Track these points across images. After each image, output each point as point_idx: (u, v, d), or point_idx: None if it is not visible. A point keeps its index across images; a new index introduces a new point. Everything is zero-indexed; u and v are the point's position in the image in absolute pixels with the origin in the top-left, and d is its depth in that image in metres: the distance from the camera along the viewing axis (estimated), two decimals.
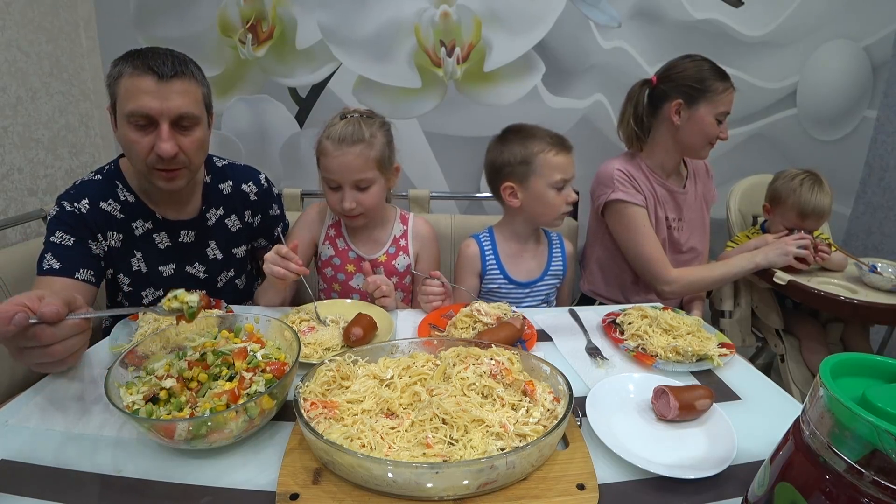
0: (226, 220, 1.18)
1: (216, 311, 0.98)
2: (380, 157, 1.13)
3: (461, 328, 0.97)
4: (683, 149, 1.39)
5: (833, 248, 1.52)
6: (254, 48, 1.80)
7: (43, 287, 0.93)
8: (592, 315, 1.08)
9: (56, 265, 0.97)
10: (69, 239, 1.00)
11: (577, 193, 1.82)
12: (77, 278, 0.98)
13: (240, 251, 1.23)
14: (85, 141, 1.76)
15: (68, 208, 1.01)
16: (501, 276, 1.27)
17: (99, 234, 1.04)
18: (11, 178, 1.50)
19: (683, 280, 1.35)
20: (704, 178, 1.52)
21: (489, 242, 1.30)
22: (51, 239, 1.00)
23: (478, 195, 1.90)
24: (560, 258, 1.33)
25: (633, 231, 1.37)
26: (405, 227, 1.30)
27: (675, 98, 1.34)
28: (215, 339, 0.79)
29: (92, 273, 1.01)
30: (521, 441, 0.60)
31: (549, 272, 1.30)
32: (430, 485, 0.55)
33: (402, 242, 1.28)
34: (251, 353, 0.74)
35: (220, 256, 1.18)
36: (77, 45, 1.72)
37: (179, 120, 0.96)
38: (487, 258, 1.28)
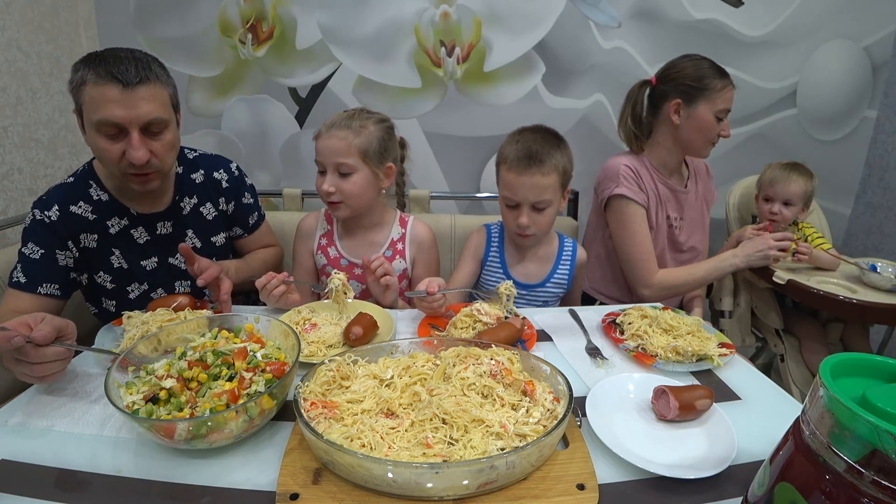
0: (201, 209, 1.19)
1: (205, 312, 0.98)
2: (364, 147, 1.13)
3: (461, 328, 0.97)
4: (685, 148, 1.39)
5: (827, 247, 1.56)
6: (254, 48, 1.80)
7: (11, 300, 0.99)
8: (592, 315, 1.08)
9: (22, 279, 0.99)
10: (37, 251, 1.01)
11: (577, 194, 1.83)
12: (39, 293, 1.00)
13: (219, 239, 1.23)
14: (85, 141, 1.75)
15: (38, 217, 1.02)
16: (501, 270, 1.28)
17: (70, 241, 1.04)
18: (11, 178, 1.50)
19: (661, 284, 1.36)
20: (705, 177, 1.53)
21: (497, 233, 1.32)
22: (22, 250, 1.01)
23: (478, 195, 1.90)
24: (567, 267, 1.29)
25: (627, 229, 1.37)
26: (403, 231, 1.28)
27: (674, 98, 1.34)
28: (215, 339, 0.79)
29: (56, 287, 1.02)
30: (521, 441, 0.61)
31: (552, 280, 1.28)
32: (430, 485, 0.55)
33: (399, 246, 1.27)
34: (251, 353, 0.74)
35: (199, 245, 1.19)
36: (77, 45, 1.72)
37: (148, 126, 0.95)
38: (492, 247, 1.29)
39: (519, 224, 1.17)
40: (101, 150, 0.96)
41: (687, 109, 1.33)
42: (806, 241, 1.63)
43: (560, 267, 1.28)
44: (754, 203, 1.69)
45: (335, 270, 1.07)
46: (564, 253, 1.30)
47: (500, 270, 1.28)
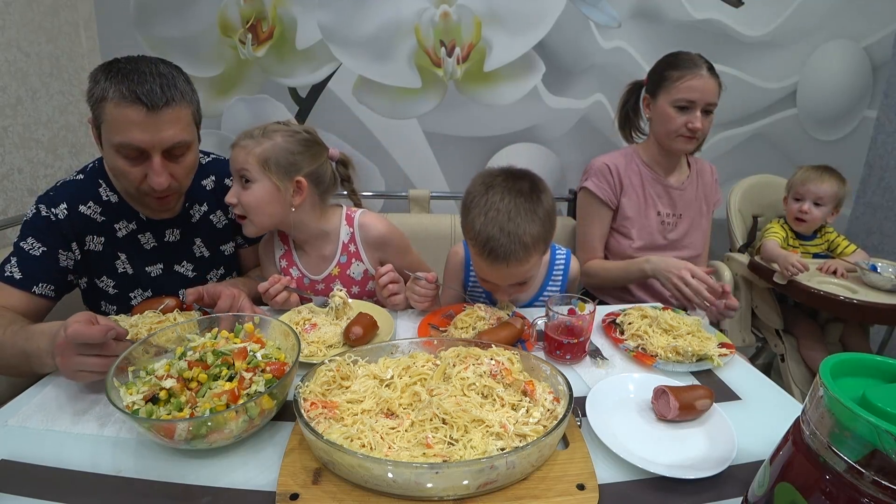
0: (211, 217, 1.16)
1: (193, 313, 0.98)
2: (265, 157, 1.04)
3: (461, 328, 0.97)
4: (658, 141, 1.40)
5: (851, 251, 1.64)
6: (254, 48, 1.80)
7: (0, 295, 0.94)
8: None
9: (17, 275, 0.95)
10: (38, 248, 0.97)
11: (576, 194, 1.83)
12: (34, 292, 0.96)
13: (228, 248, 1.21)
14: (85, 141, 1.76)
15: (44, 213, 0.98)
16: (483, 295, 1.15)
17: (74, 242, 1.01)
18: (11, 178, 1.50)
19: (587, 271, 1.42)
20: (708, 179, 1.52)
21: None
22: (20, 244, 0.97)
23: None
24: (558, 284, 1.16)
25: (582, 219, 1.46)
26: (351, 229, 1.17)
27: (645, 93, 1.40)
28: (215, 339, 0.79)
29: (52, 287, 0.98)
30: (521, 441, 0.60)
31: (539, 300, 1.16)
32: (430, 485, 0.55)
33: (352, 248, 1.17)
34: (251, 353, 0.74)
35: (206, 254, 1.16)
36: (77, 46, 1.72)
37: (171, 149, 0.93)
38: (472, 270, 1.16)
39: (498, 300, 1.05)
40: (120, 170, 0.93)
41: (654, 103, 1.37)
42: (830, 247, 1.67)
43: (550, 285, 1.16)
44: (783, 204, 1.71)
45: (337, 287, 1.05)
46: (556, 269, 1.16)
47: (483, 295, 1.15)
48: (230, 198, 1.06)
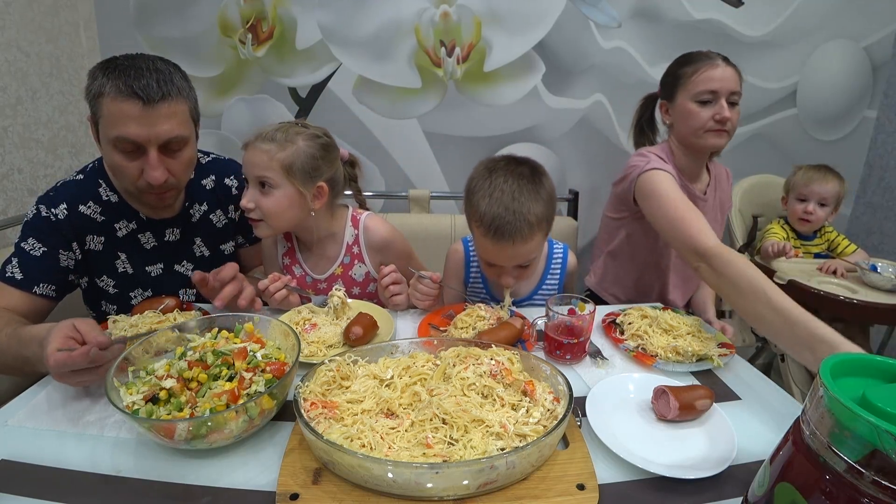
0: (210, 216, 1.16)
1: (193, 313, 0.98)
2: (289, 163, 1.02)
3: (461, 328, 0.97)
4: (685, 145, 1.34)
5: (851, 251, 1.64)
6: (254, 48, 1.80)
7: (1, 295, 0.94)
8: None
9: (18, 276, 0.95)
10: (39, 248, 0.98)
11: (577, 194, 1.83)
12: (35, 293, 0.96)
13: (227, 247, 1.21)
14: (85, 141, 1.76)
15: (44, 213, 0.99)
16: (483, 291, 1.19)
17: (75, 242, 1.01)
18: (11, 178, 1.50)
19: (720, 255, 0.95)
20: (724, 184, 1.47)
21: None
22: (21, 244, 0.98)
23: None
24: (557, 278, 1.18)
25: (661, 196, 1.14)
26: (356, 231, 1.18)
27: (661, 100, 1.35)
28: (215, 339, 0.79)
29: (53, 287, 0.99)
30: (521, 441, 0.61)
31: (539, 293, 1.17)
32: (430, 485, 0.55)
33: (356, 249, 1.18)
34: (251, 353, 0.74)
35: (206, 254, 1.17)
36: (77, 45, 1.72)
37: (168, 143, 0.93)
38: (472, 266, 1.19)
39: (502, 283, 1.04)
40: (117, 165, 0.94)
41: (672, 106, 1.32)
42: (831, 246, 1.67)
43: (548, 279, 1.17)
44: (781, 204, 1.71)
45: (336, 286, 1.05)
46: (554, 263, 1.18)
47: (483, 291, 1.18)
48: (247, 203, 1.04)
